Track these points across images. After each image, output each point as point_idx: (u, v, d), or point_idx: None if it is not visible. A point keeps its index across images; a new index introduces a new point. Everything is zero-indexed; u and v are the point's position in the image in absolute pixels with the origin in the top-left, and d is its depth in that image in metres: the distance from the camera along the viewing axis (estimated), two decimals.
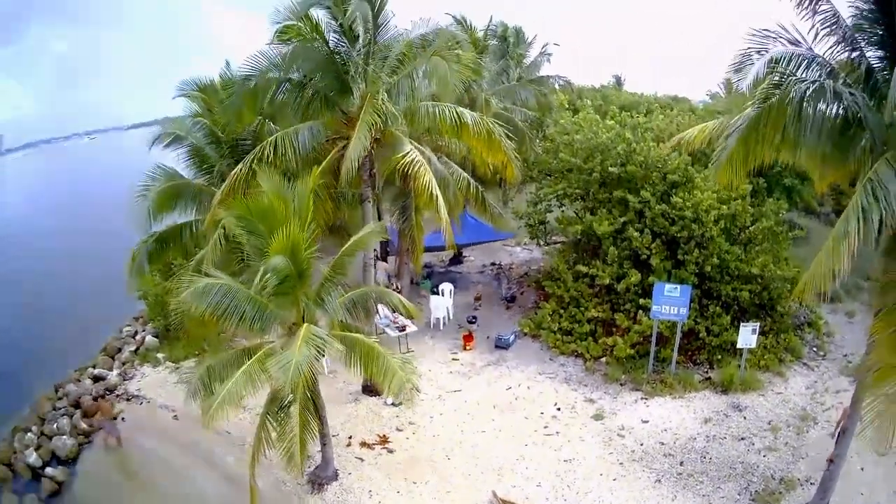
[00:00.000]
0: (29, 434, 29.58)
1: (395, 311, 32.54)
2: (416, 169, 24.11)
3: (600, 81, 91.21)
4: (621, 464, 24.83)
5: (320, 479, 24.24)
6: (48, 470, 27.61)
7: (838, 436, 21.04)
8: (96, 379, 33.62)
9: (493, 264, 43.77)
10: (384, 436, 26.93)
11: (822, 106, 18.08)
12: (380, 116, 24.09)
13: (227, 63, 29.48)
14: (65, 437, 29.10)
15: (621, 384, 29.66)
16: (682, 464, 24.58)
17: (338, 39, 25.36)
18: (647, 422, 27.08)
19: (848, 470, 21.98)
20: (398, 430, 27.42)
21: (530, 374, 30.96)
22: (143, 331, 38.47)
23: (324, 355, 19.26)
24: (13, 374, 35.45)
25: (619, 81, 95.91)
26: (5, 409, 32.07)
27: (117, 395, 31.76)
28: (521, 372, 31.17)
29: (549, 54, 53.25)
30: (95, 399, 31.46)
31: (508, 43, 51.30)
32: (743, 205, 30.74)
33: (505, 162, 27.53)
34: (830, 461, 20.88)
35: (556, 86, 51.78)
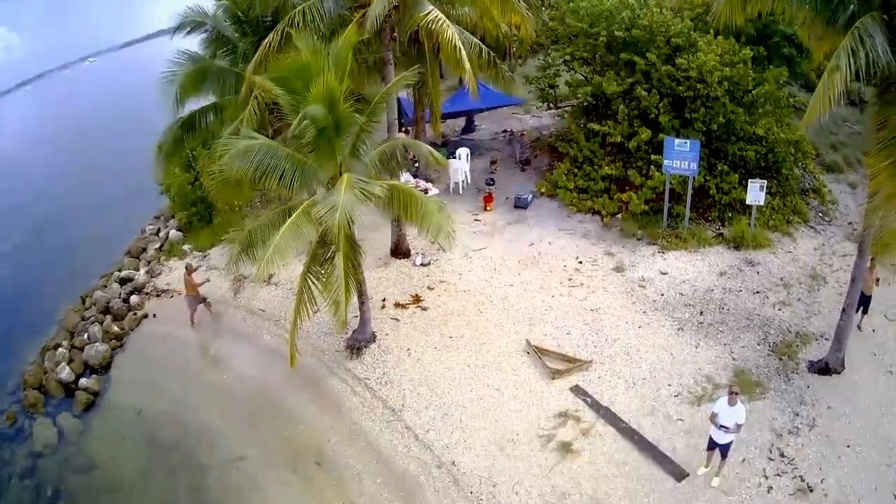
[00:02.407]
0: (59, 349, 28.21)
1: (415, 177, 32.82)
2: (438, 25, 23.49)
3: None
4: (644, 312, 25.32)
5: (358, 342, 24.26)
6: (81, 381, 26.35)
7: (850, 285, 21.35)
8: (123, 281, 32.52)
9: (504, 131, 43.07)
10: (416, 295, 26.98)
11: None
12: None
13: None
14: (97, 343, 27.92)
15: (638, 238, 29.81)
16: (701, 314, 25.04)
17: None
18: (665, 273, 27.48)
19: (859, 333, 22.70)
20: (429, 288, 27.49)
21: (550, 230, 30.98)
22: (167, 227, 37.65)
23: (368, 198, 19.00)
24: (35, 294, 34.14)
25: None
26: (33, 331, 30.57)
27: (146, 293, 31.21)
28: (542, 229, 31.19)
29: None
30: (126, 301, 30.69)
31: None
32: (745, 69, 30.44)
33: (519, 22, 27.15)
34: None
35: None
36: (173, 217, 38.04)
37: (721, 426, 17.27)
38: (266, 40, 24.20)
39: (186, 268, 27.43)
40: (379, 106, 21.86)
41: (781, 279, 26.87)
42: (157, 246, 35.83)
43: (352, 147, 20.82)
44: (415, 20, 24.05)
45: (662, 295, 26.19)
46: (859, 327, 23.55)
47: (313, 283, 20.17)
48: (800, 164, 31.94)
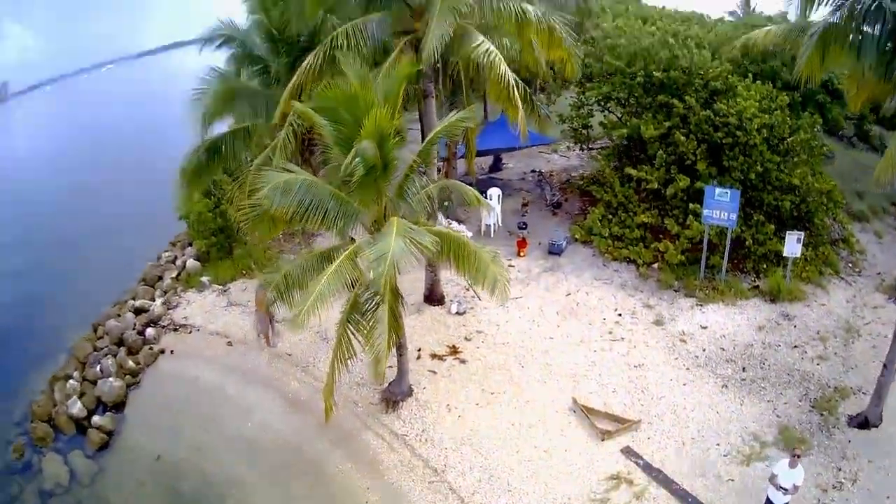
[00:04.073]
0: (70, 382, 26.39)
1: (447, 217, 30.86)
2: (490, 59, 21.96)
3: None
4: (688, 369, 24.06)
5: (394, 395, 22.43)
6: (94, 419, 24.55)
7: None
8: (138, 311, 30.54)
9: (533, 171, 41.33)
10: (454, 346, 25.27)
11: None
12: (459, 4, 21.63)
13: None
14: (110, 379, 25.99)
15: (675, 290, 28.47)
16: (744, 370, 23.89)
17: None
18: (705, 328, 26.12)
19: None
20: (466, 339, 25.77)
21: (586, 280, 29.46)
22: (184, 255, 35.59)
23: (421, 248, 17.02)
24: (44, 318, 32.21)
25: None
26: (40, 358, 28.75)
27: (163, 326, 29.13)
28: (578, 278, 29.64)
29: None
30: (141, 333, 28.71)
31: None
32: (782, 116, 29.42)
33: (564, 58, 25.31)
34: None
35: None
36: (191, 245, 36.01)
37: (780, 487, 16.80)
38: (306, 63, 22.33)
39: (258, 286, 24.98)
40: (431, 146, 20.15)
41: (818, 332, 25.76)
42: (174, 275, 33.74)
43: (399, 188, 19.15)
44: (465, 52, 22.48)
45: (704, 350, 24.90)
46: None
47: (353, 333, 18.60)
48: (830, 213, 30.81)
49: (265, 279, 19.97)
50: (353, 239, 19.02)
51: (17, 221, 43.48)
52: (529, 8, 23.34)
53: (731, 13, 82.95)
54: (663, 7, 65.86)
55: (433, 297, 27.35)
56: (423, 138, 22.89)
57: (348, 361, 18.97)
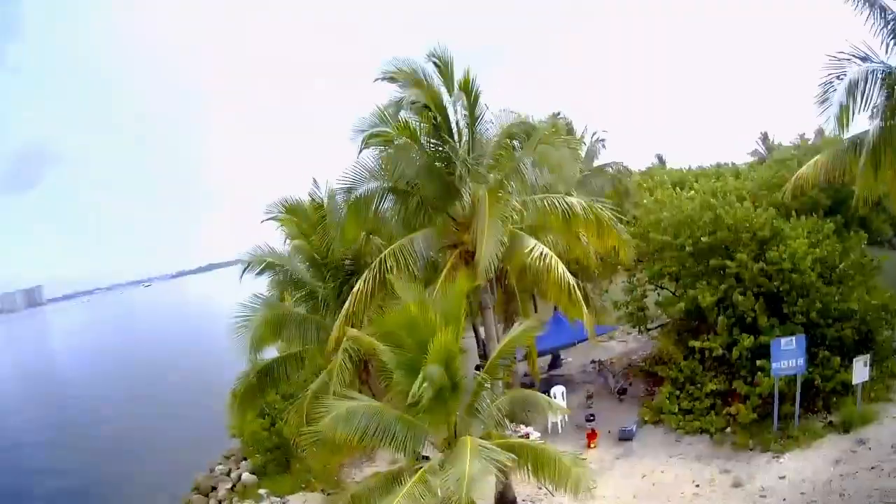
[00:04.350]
0: None
1: (513, 421, 29.98)
2: (547, 262, 21.78)
3: (644, 163, 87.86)
4: None
5: None
6: None
7: None
8: None
9: (593, 362, 40.92)
10: None
11: None
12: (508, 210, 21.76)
13: (315, 181, 26.67)
14: None
15: (751, 449, 27.44)
16: None
17: (436, 140, 23.13)
18: (783, 478, 25.03)
19: None
20: None
21: (661, 458, 28.43)
22: (238, 468, 35.16)
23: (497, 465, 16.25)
24: None
25: (661, 160, 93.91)
26: None
27: None
28: (653, 458, 28.60)
29: (603, 140, 48.78)
30: None
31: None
32: (832, 244, 29.57)
33: (617, 246, 25.07)
34: None
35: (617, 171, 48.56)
36: (245, 459, 35.64)
37: None
38: (356, 289, 22.11)
39: None
40: (501, 364, 19.50)
41: (892, 447, 24.88)
42: (229, 486, 33.39)
43: (469, 406, 18.52)
44: (519, 259, 22.16)
45: (784, 500, 23.81)
46: None
47: None
48: (889, 325, 30.10)
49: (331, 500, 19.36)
50: (426, 457, 18.29)
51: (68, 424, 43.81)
52: (574, 201, 23.36)
53: (753, 152, 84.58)
54: (689, 167, 66.82)
55: (505, 500, 26.15)
56: (478, 346, 22.52)
57: None
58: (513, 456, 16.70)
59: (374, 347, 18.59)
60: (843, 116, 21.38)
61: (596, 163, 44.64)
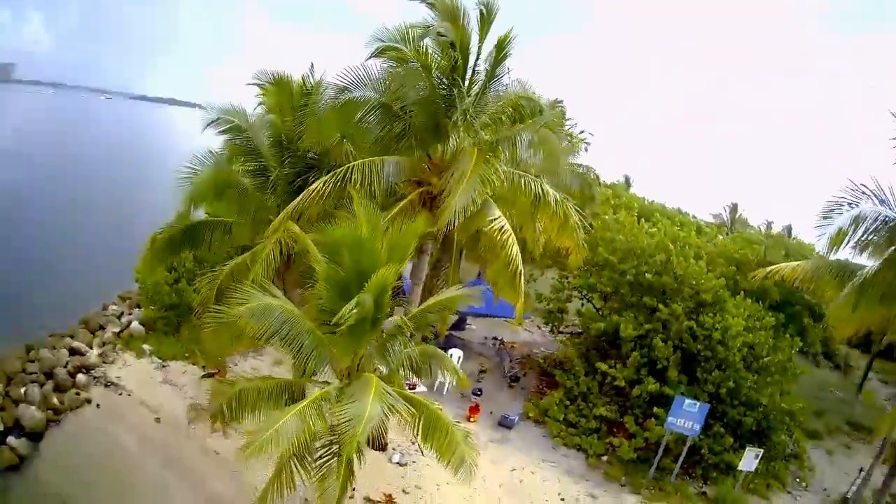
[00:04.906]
0: None
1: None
2: (503, 237, 21.48)
3: (610, 178, 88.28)
4: None
5: None
6: (10, 439, 23.37)
7: None
8: (73, 352, 29.30)
9: (495, 338, 41.08)
10: (389, 495, 23.87)
11: None
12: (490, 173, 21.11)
13: (312, 67, 24.93)
14: (33, 407, 24.80)
15: (622, 485, 27.81)
16: None
17: (447, 79, 22.29)
18: None
19: None
20: (404, 492, 24.40)
21: (534, 458, 28.50)
22: (130, 315, 34.26)
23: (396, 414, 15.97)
24: None
25: (628, 181, 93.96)
26: None
27: (95, 378, 27.80)
28: (525, 455, 28.64)
29: (588, 143, 49.11)
30: (72, 374, 27.52)
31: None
32: (766, 336, 30.09)
33: (570, 248, 24.61)
34: None
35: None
36: (139, 307, 34.80)
37: None
38: (313, 187, 21.26)
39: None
40: (430, 316, 19.13)
41: None
42: (117, 331, 32.38)
43: (382, 346, 18.02)
44: (477, 223, 21.74)
45: None
46: None
47: (297, 468, 16.96)
48: (789, 431, 31.15)
49: (216, 390, 18.71)
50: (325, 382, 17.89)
51: None
52: (550, 191, 22.98)
53: (716, 216, 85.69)
54: (653, 201, 67.09)
55: (377, 442, 25.94)
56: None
57: (285, 493, 17.29)
58: (412, 409, 16.42)
59: (309, 251, 18.16)
60: (838, 239, 22.34)
61: (571, 160, 44.47)
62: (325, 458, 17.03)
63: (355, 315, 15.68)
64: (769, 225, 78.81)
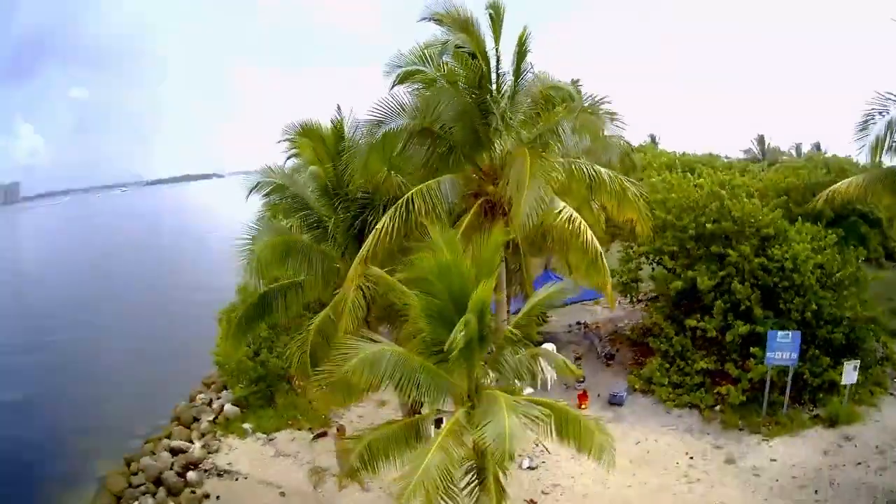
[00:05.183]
0: None
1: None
2: (575, 226, 21.53)
3: (636, 141, 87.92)
4: (766, 500, 24.21)
5: None
6: None
7: None
8: (175, 451, 29.15)
9: (578, 323, 41.30)
10: (532, 500, 24.26)
11: None
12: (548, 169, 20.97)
13: (339, 108, 24.12)
14: None
15: (740, 429, 28.81)
16: (816, 492, 24.28)
17: (476, 88, 22.10)
18: (774, 460, 26.51)
19: None
20: (544, 493, 24.96)
21: (652, 427, 29.29)
22: (219, 398, 34.29)
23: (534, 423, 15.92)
24: (66, 442, 31.29)
25: (654, 140, 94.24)
26: (69, 486, 27.65)
27: (206, 471, 27.76)
28: (643, 426, 29.48)
29: (614, 114, 48.83)
30: (181, 475, 27.30)
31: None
32: (833, 253, 30.55)
33: (634, 219, 24.43)
34: None
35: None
36: (226, 389, 34.83)
37: None
38: (380, 225, 20.95)
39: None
40: (527, 319, 18.91)
41: (877, 447, 26.56)
42: (211, 418, 32.40)
43: (494, 360, 18.10)
44: (545, 219, 21.45)
45: (777, 481, 25.08)
46: None
47: (447, 501, 16.64)
48: (877, 337, 31.46)
49: (344, 447, 18.88)
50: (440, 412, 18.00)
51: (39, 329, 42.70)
52: (602, 170, 23.03)
53: (746, 151, 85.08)
54: (683, 153, 66.55)
55: None
56: None
57: None
58: (548, 411, 16.49)
59: (393, 289, 18.20)
60: (878, 147, 23.50)
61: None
62: (470, 483, 17.13)
63: (464, 337, 15.67)
64: (797, 147, 78.17)
